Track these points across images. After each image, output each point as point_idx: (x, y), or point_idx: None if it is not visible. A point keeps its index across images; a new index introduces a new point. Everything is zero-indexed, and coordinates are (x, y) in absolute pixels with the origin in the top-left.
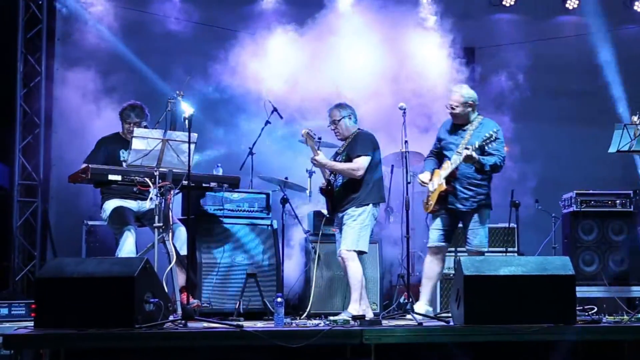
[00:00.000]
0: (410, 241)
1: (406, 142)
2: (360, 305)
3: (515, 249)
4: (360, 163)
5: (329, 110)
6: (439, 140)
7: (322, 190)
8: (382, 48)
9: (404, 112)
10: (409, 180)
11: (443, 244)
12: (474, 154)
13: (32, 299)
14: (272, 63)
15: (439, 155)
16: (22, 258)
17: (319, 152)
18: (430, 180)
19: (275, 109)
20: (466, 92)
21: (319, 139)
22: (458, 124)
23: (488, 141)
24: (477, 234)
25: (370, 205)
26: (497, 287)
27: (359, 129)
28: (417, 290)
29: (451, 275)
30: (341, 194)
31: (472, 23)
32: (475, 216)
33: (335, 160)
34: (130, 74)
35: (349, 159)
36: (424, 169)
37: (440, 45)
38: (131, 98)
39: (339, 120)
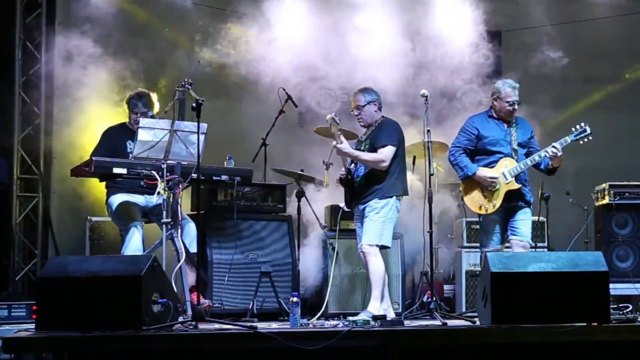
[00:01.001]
0: (434, 236)
1: (429, 131)
2: (381, 304)
3: (545, 244)
4: (386, 153)
5: (353, 95)
6: (479, 137)
7: (342, 181)
8: (400, 22)
9: (427, 100)
10: (432, 172)
11: (500, 245)
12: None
13: (33, 299)
14: (282, 41)
15: (471, 152)
16: (22, 256)
17: (342, 139)
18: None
19: (289, 97)
20: None
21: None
22: (500, 120)
23: (584, 136)
24: (528, 226)
25: (394, 197)
26: (526, 285)
27: (382, 116)
28: (440, 288)
29: (477, 272)
30: (363, 185)
31: (499, 4)
32: (528, 210)
33: (357, 149)
34: (138, 60)
35: (372, 149)
36: (471, 167)
37: (464, 28)
38: (139, 86)
39: (364, 106)
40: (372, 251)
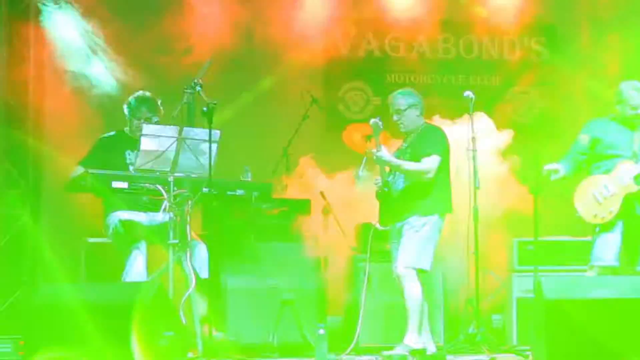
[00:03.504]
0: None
1: (473, 138)
2: (420, 336)
3: None
4: (431, 163)
5: (392, 98)
6: (595, 140)
7: (378, 195)
8: (439, 14)
9: (472, 101)
10: (477, 186)
11: (617, 264)
12: None
13: (20, 334)
14: (306, 37)
15: (584, 159)
16: (8, 284)
17: (382, 146)
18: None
19: (315, 100)
20: None
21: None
22: (624, 124)
23: None
24: None
25: (437, 215)
26: (586, 314)
27: (425, 122)
28: (487, 317)
29: (530, 299)
30: (402, 199)
31: None
32: None
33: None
34: (141, 55)
35: (415, 158)
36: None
37: (513, 20)
38: (145, 87)
39: (404, 110)
40: (409, 275)
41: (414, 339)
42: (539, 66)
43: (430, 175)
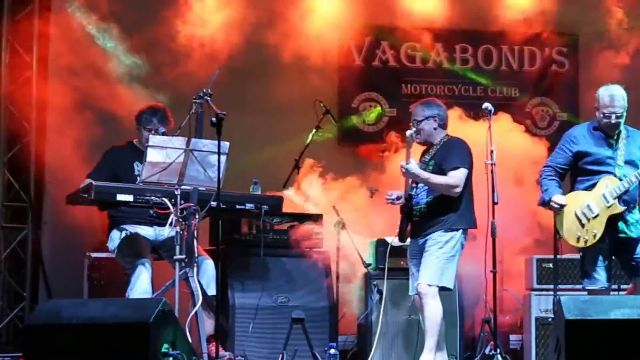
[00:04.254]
0: (497, 277)
1: (492, 151)
2: (435, 356)
3: (630, 285)
4: (459, 177)
5: (414, 107)
6: (578, 155)
7: (402, 208)
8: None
9: (490, 114)
10: (495, 201)
11: (608, 285)
12: None
13: (20, 351)
14: (318, 44)
15: (565, 173)
16: (8, 299)
17: (411, 159)
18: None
19: (327, 111)
20: (625, 95)
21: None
22: (606, 134)
23: None
24: None
25: (460, 231)
26: (607, 335)
27: (447, 134)
28: (505, 338)
29: (549, 319)
30: (425, 214)
31: (576, 2)
32: None
33: None
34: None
35: (439, 171)
36: (551, 191)
37: (533, 29)
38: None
39: (421, 121)
40: (430, 292)
41: (430, 359)
42: (559, 77)
43: (459, 189)
